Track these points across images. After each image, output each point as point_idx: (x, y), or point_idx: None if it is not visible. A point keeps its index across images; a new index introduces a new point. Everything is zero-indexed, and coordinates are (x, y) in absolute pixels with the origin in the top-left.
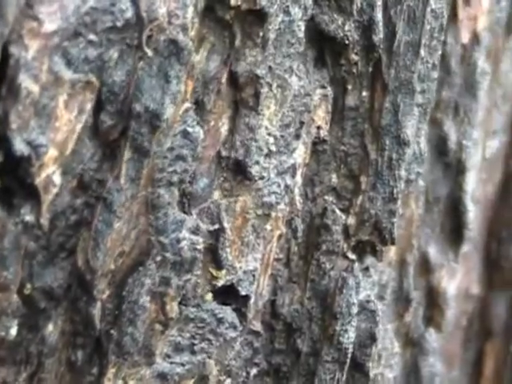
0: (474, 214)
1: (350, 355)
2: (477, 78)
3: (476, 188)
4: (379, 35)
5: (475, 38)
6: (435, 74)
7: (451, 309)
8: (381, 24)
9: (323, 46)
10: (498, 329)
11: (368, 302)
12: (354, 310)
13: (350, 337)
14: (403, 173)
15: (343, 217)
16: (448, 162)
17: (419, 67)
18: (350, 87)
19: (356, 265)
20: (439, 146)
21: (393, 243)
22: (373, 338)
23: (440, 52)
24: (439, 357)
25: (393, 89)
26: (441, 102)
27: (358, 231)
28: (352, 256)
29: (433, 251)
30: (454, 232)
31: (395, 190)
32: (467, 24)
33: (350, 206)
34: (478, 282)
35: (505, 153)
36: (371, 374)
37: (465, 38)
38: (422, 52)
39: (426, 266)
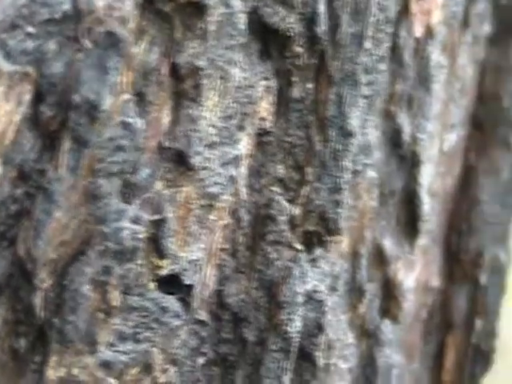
0: (429, 207)
1: (296, 344)
2: (430, 71)
3: (434, 181)
4: (322, 27)
5: (429, 32)
6: (383, 66)
7: (409, 301)
8: (324, 16)
9: (267, 39)
10: (459, 321)
11: (315, 292)
12: (300, 299)
13: (295, 326)
14: (349, 164)
15: (289, 207)
16: (402, 155)
17: (364, 59)
18: (295, 79)
19: (301, 255)
20: (393, 138)
21: (338, 234)
22: (320, 328)
23: (387, 44)
24: (398, 349)
25: (337, 80)
26: (394, 95)
27: (304, 222)
28: (298, 246)
29: (388, 243)
30: (410, 224)
31: (340, 181)
32: (421, 18)
33: (296, 196)
34: (437, 275)
35: (463, 146)
36: (320, 364)
37: (418, 31)
38: (367, 44)
39: (381, 258)
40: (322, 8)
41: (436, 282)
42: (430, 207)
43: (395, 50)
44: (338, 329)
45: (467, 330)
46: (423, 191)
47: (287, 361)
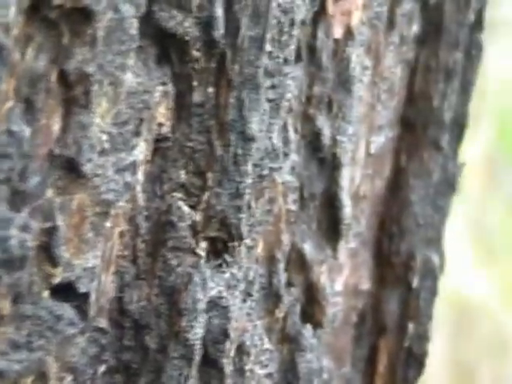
0: (350, 210)
1: (198, 351)
2: (351, 73)
3: (362, 183)
4: (220, 31)
5: (349, 33)
6: (288, 69)
7: (337, 305)
8: (221, 20)
9: (166, 43)
10: (391, 325)
11: (220, 298)
12: (201, 306)
13: (196, 333)
14: (250, 168)
15: (190, 213)
16: (323, 158)
17: (266, 62)
18: (195, 84)
19: (203, 261)
20: (313, 141)
21: (241, 239)
22: (225, 335)
23: (293, 47)
24: (327, 353)
25: (237, 84)
26: (313, 98)
27: (206, 228)
28: (200, 252)
29: (308, 247)
30: (331, 228)
31: (241, 186)
32: (340, 19)
33: (198, 202)
34: (368, 278)
35: (393, 147)
36: (227, 370)
37: (337, 33)
38: (269, 47)
39: (302, 263)
40: (219, 12)
41: (366, 285)
42: (350, 210)
43: (313, 52)
44: (254, 334)
45: (399, 333)
46: (344, 194)
47: (189, 368)
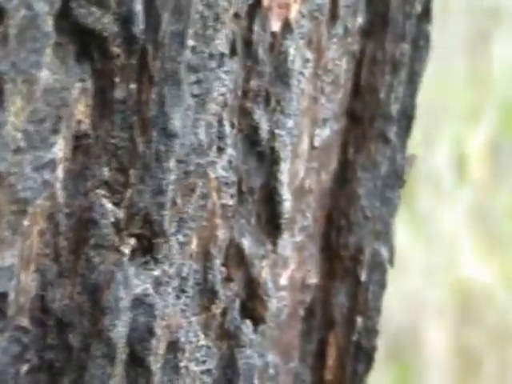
0: (290, 204)
1: (121, 350)
2: (289, 66)
3: (307, 177)
4: (140, 26)
5: (287, 26)
6: (214, 64)
7: (283, 299)
8: (141, 15)
9: (86, 40)
10: (340, 319)
11: (146, 295)
12: (124, 304)
13: (119, 331)
14: (173, 164)
15: (113, 210)
16: (261, 152)
17: (189, 57)
18: (117, 80)
19: (126, 259)
20: (251, 136)
21: (164, 236)
22: (151, 332)
23: (219, 41)
24: (272, 348)
25: (159, 80)
26: (250, 91)
27: (129, 225)
28: (124, 250)
29: (247, 242)
30: (271, 222)
31: (164, 183)
32: (278, 12)
33: (121, 199)
34: (315, 272)
35: (340, 140)
36: (154, 368)
37: (275, 26)
38: (191, 42)
39: (241, 258)
40: (138, 7)
41: (313, 279)
42: (290, 204)
43: (249, 46)
44: (189, 331)
45: (348, 327)
46: (283, 188)
47: (112, 367)
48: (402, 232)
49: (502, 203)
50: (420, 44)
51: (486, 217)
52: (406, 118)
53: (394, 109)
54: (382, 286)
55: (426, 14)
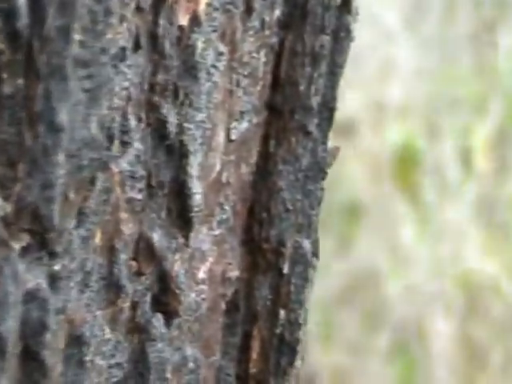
0: (201, 197)
1: (12, 344)
2: (197, 59)
3: (224, 170)
4: (23, 21)
5: (195, 20)
6: (106, 59)
7: (202, 293)
8: (25, 10)
9: None
10: (263, 312)
11: (38, 290)
12: (13, 299)
13: (9, 326)
14: (62, 159)
15: (3, 205)
16: (170, 146)
17: (78, 52)
18: (4, 76)
19: (14, 253)
20: (159, 130)
21: (54, 230)
22: (45, 327)
23: (111, 36)
24: (193, 342)
25: (45, 75)
26: (157, 85)
27: (18, 220)
28: (14, 245)
29: (158, 236)
30: (181, 216)
31: (52, 177)
32: (186, 6)
33: (10, 194)
34: (237, 265)
35: (261, 133)
36: (49, 362)
37: (182, 19)
38: (79, 37)
39: (151, 252)
40: (21, 1)
41: (235, 272)
42: (201, 197)
43: (155, 40)
44: (94, 325)
45: (271, 320)
46: (193, 182)
47: (2, 361)
48: (408, 225)
49: (507, 195)
50: (340, 36)
51: (492, 209)
52: (328, 110)
53: (315, 101)
54: (305, 278)
55: (346, 6)
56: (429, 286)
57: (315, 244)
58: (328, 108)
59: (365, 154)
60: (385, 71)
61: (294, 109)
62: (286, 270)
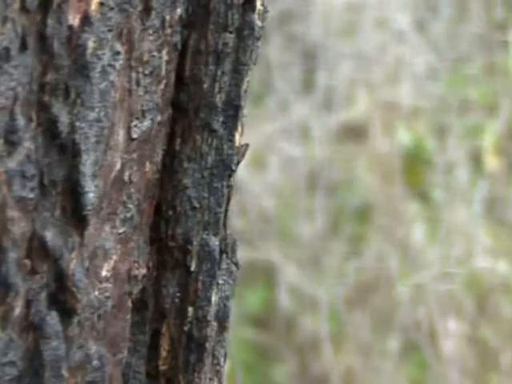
0: (94, 195)
1: None
2: (88, 59)
3: (126, 168)
4: None
5: (86, 20)
6: None
7: (106, 291)
8: None
9: None
10: (172, 309)
11: None
12: None
13: None
14: None
15: None
16: (62, 145)
17: None
18: None
19: None
20: (50, 129)
21: None
22: None
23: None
24: (98, 340)
25: None
26: (46, 85)
27: None
28: None
29: (51, 235)
30: (75, 214)
31: None
32: (76, 5)
33: None
34: (144, 263)
35: (166, 131)
36: None
37: (73, 19)
38: None
39: (45, 251)
40: None
41: (142, 270)
42: (95, 196)
43: (43, 40)
44: None
45: (180, 317)
46: (86, 180)
47: None
48: (418, 225)
49: None
50: (245, 34)
51: (502, 209)
52: (233, 108)
53: (219, 99)
54: (213, 275)
55: (250, 4)
56: (439, 286)
57: (224, 241)
58: (233, 106)
59: (375, 155)
60: (395, 72)
61: (199, 107)
62: (193, 267)
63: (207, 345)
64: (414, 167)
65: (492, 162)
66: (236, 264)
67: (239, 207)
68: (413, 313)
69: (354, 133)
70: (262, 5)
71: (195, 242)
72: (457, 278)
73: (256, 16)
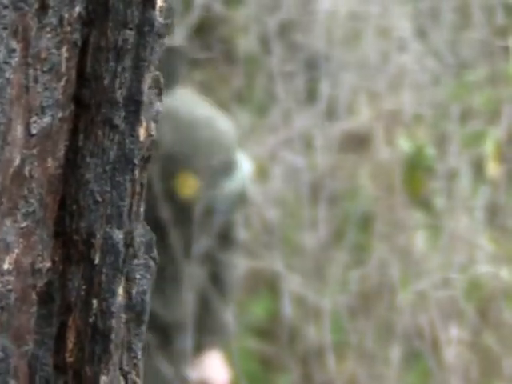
0: None
1: None
2: None
3: (27, 164)
4: None
5: None
6: None
7: (8, 284)
8: None
9: None
10: (77, 302)
11: None
12: None
13: None
14: None
15: None
16: None
17: None
18: None
19: None
20: None
21: None
22: None
23: None
24: (3, 333)
25: None
26: None
27: None
28: None
29: None
30: None
31: None
32: None
33: None
34: (48, 257)
35: (68, 127)
36: None
37: None
38: None
39: None
40: None
41: (46, 263)
42: None
43: None
44: None
45: (85, 310)
46: None
47: None
48: (420, 231)
49: None
50: (145, 30)
51: (503, 216)
52: (134, 103)
53: (120, 95)
54: (116, 268)
55: (149, 1)
56: (441, 293)
57: (130, 234)
58: (134, 101)
59: (377, 163)
60: (397, 80)
61: (100, 103)
62: (97, 260)
63: (112, 336)
64: (416, 175)
65: (494, 169)
66: (154, 259)
67: (243, 218)
68: (415, 320)
69: (357, 142)
70: (166, 2)
71: (98, 236)
72: (459, 285)
73: (157, 13)
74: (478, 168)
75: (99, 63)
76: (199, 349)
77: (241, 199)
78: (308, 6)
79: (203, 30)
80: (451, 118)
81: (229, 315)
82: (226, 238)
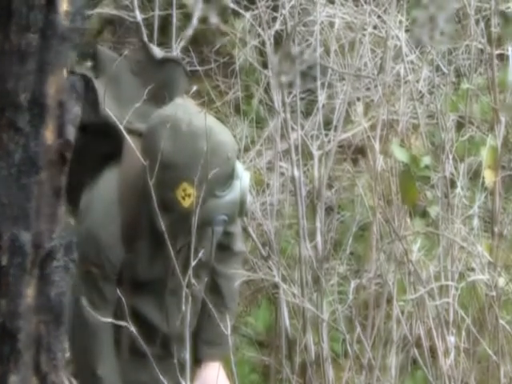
0: None
1: None
2: None
3: None
4: None
5: None
6: None
7: None
8: None
9: None
10: None
11: None
12: None
13: None
14: None
15: None
16: None
17: None
18: None
19: None
20: None
21: None
22: None
23: None
24: None
25: None
26: None
27: None
28: None
29: None
30: None
31: None
32: None
33: None
34: None
35: None
36: None
37: None
38: None
39: None
40: None
41: None
42: None
43: None
44: None
45: None
46: None
47: None
48: (417, 240)
49: None
50: (48, 34)
51: (500, 222)
52: (38, 107)
53: (24, 98)
54: (23, 269)
55: (52, 5)
56: (438, 299)
57: (38, 236)
58: (38, 104)
59: (374, 173)
60: (393, 90)
61: (4, 106)
62: (4, 261)
63: (20, 336)
64: (413, 184)
65: (490, 177)
66: (73, 261)
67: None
68: (412, 328)
69: (353, 152)
70: (71, 6)
71: (5, 237)
72: (456, 292)
73: (61, 16)
74: (475, 176)
75: (2, 66)
76: (199, 360)
77: (239, 210)
78: (304, 17)
79: (201, 42)
80: (448, 126)
81: (228, 326)
82: (225, 250)
